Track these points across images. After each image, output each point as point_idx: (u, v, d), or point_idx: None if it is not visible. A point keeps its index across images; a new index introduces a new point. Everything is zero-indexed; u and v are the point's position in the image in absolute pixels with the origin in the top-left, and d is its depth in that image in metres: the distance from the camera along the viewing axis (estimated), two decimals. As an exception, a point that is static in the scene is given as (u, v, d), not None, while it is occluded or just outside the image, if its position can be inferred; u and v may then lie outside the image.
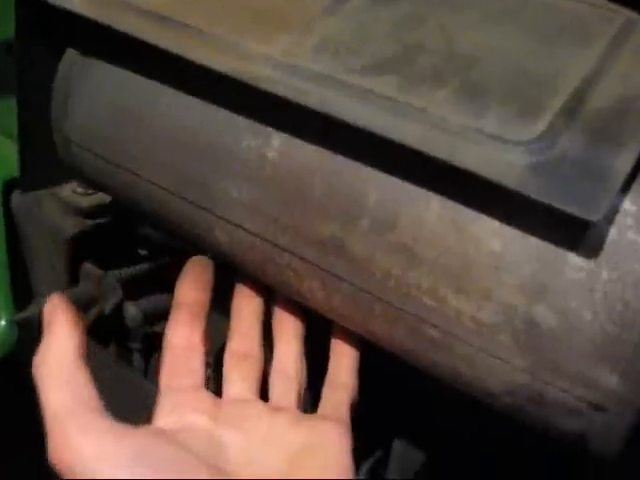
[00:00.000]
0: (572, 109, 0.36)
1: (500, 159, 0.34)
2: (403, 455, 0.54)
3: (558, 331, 0.35)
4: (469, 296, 0.36)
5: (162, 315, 0.62)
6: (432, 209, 0.37)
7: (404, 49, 0.41)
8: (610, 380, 0.34)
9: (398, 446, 0.55)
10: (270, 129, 0.41)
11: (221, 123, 0.43)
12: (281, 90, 0.39)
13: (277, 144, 0.41)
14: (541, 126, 0.36)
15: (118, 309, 0.59)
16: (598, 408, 0.35)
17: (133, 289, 0.61)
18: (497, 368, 0.37)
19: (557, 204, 0.33)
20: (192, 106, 0.44)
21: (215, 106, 0.43)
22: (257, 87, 0.39)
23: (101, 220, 0.62)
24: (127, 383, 0.57)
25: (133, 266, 0.63)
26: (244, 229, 0.43)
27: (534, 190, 0.33)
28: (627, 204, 0.35)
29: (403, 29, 0.42)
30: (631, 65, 0.39)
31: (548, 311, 0.35)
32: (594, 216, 0.32)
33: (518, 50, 0.40)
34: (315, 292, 0.42)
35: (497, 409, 0.39)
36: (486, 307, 0.36)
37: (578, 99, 0.37)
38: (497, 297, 0.36)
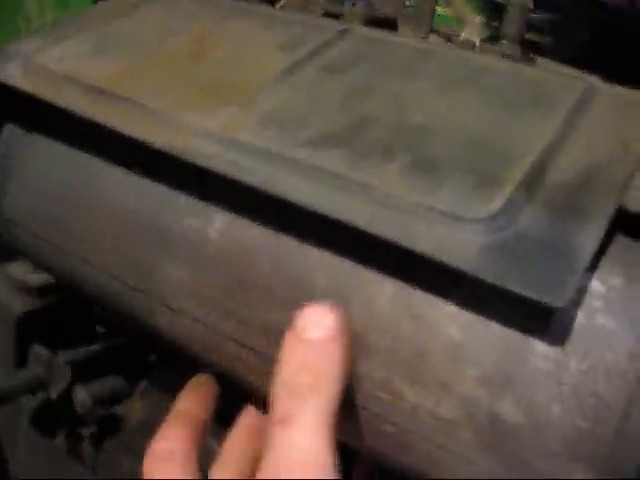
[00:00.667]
0: (532, 182, 0.34)
1: (454, 239, 0.32)
2: None
3: (525, 428, 0.31)
4: (426, 389, 0.33)
5: (116, 398, 0.58)
6: (384, 294, 0.34)
7: (354, 121, 0.38)
8: None
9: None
10: (212, 208, 0.39)
11: (161, 201, 0.40)
12: (222, 167, 0.36)
13: (219, 224, 0.38)
14: (499, 202, 0.33)
15: (67, 393, 0.55)
16: (575, 512, 0.32)
17: (85, 371, 0.57)
18: (461, 469, 0.33)
19: (517, 288, 0.30)
20: (132, 184, 0.41)
21: (155, 184, 0.40)
22: (196, 164, 0.36)
23: (53, 298, 0.59)
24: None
25: (88, 346, 0.60)
26: (186, 314, 0.40)
27: (491, 273, 0.30)
28: (595, 284, 0.32)
29: (354, 99, 0.40)
30: (594, 133, 0.37)
31: (513, 406, 0.32)
32: (559, 301, 0.29)
33: (475, 120, 0.38)
34: (267, 383, 0.39)
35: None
36: (445, 401, 0.33)
37: (538, 171, 0.34)
38: (457, 390, 0.33)
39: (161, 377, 0.57)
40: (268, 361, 0.36)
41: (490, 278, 0.30)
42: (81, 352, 0.57)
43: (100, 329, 0.65)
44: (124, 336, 0.61)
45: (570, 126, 0.37)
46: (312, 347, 0.32)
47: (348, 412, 0.36)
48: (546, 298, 0.29)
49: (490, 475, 0.33)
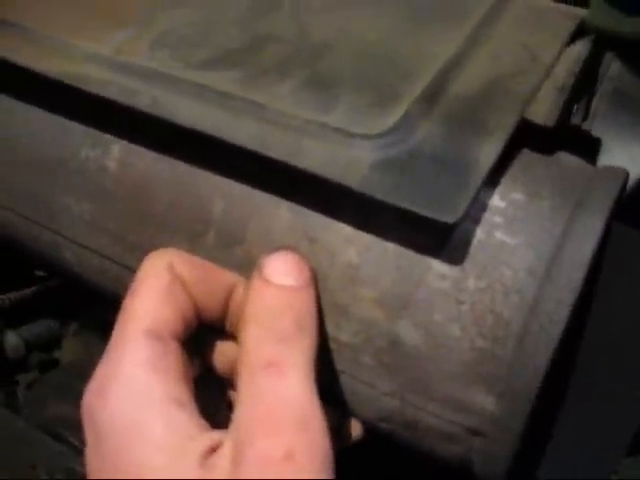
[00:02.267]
0: (432, 97, 0.32)
1: (343, 156, 0.30)
2: None
3: (424, 349, 0.31)
4: (326, 314, 0.32)
5: (51, 342, 0.57)
6: (281, 218, 0.33)
7: (252, 39, 0.36)
8: (486, 402, 0.30)
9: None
10: (109, 137, 0.37)
11: (58, 133, 0.38)
12: (112, 92, 0.34)
13: (116, 153, 0.36)
14: (395, 117, 0.31)
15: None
16: (476, 433, 0.31)
17: (15, 316, 0.56)
18: (365, 393, 0.33)
19: (406, 205, 0.29)
20: (28, 116, 0.39)
21: (51, 114, 0.38)
22: (86, 90, 0.35)
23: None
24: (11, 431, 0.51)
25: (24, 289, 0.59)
26: (91, 250, 0.38)
27: (379, 190, 0.29)
28: (495, 200, 0.31)
29: (253, 17, 0.38)
30: (502, 44, 0.35)
31: (411, 327, 0.31)
32: (449, 217, 0.28)
33: (379, 34, 0.36)
34: None
35: (381, 436, 0.35)
36: (345, 326, 0.32)
37: (440, 85, 0.33)
38: (355, 314, 0.31)
39: (92, 317, 0.56)
40: None
41: (378, 195, 0.29)
42: (9, 297, 0.56)
43: (40, 273, 0.64)
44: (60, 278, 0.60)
45: (478, 37, 0.36)
46: (289, 295, 0.31)
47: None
48: (436, 214, 0.28)
49: (392, 398, 0.32)
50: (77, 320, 0.58)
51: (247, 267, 0.33)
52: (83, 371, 0.35)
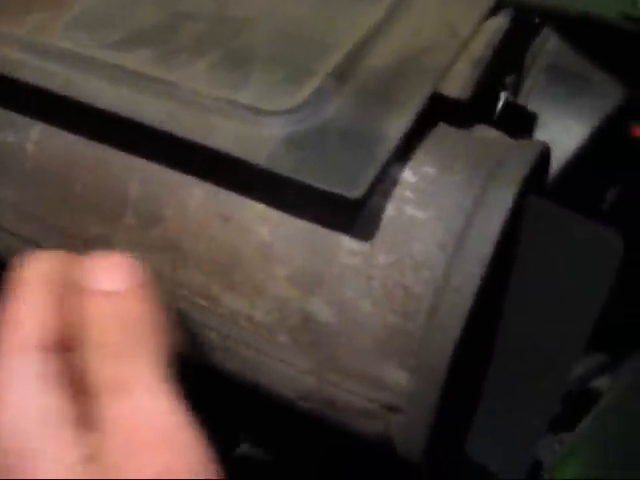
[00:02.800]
0: (344, 72, 0.32)
1: (252, 133, 0.30)
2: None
3: (337, 326, 0.30)
4: (241, 293, 0.32)
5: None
6: (196, 198, 0.32)
7: (168, 18, 0.36)
8: (398, 377, 0.30)
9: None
10: (27, 119, 0.36)
11: None
12: (24, 73, 0.34)
13: (36, 136, 0.36)
14: (305, 93, 0.31)
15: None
16: (392, 409, 0.31)
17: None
18: (282, 372, 0.32)
19: (311, 181, 0.28)
20: None
21: None
22: (1, 73, 0.34)
23: None
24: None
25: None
26: (13, 234, 0.38)
27: (286, 166, 0.29)
28: (406, 174, 0.31)
29: None
30: (421, 17, 0.35)
31: (324, 304, 0.30)
32: (354, 192, 0.28)
33: (297, 11, 0.36)
34: None
35: (303, 415, 0.35)
36: (260, 304, 0.32)
37: (353, 60, 0.33)
38: (269, 292, 0.31)
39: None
40: None
41: (284, 171, 0.29)
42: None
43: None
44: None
45: (396, 12, 0.35)
46: (121, 300, 0.27)
47: (174, 321, 0.34)
48: (341, 190, 0.28)
49: (309, 376, 0.32)
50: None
51: (164, 248, 0.33)
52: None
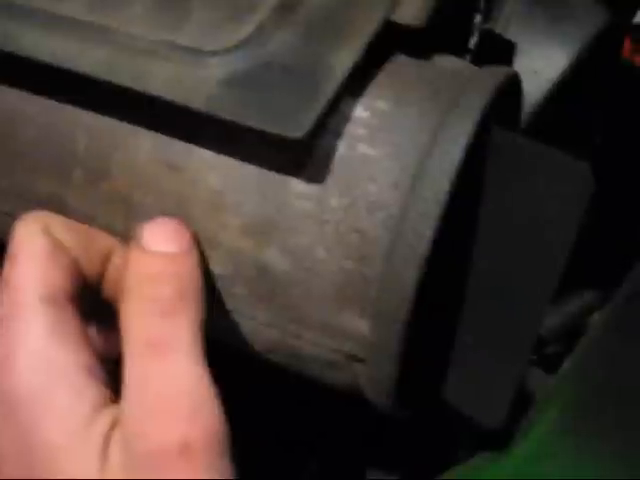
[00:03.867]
0: (289, 4, 0.30)
1: (192, 75, 0.28)
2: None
3: (293, 275, 0.29)
4: None
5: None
6: (143, 148, 0.31)
7: None
8: (360, 326, 0.29)
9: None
10: None
11: None
12: None
13: None
14: (247, 29, 0.29)
15: None
16: (356, 359, 0.30)
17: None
18: (246, 326, 0.31)
19: (252, 123, 0.27)
20: None
21: None
22: None
23: None
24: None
25: None
26: None
27: (226, 109, 0.27)
28: (358, 110, 0.29)
29: None
30: None
31: (278, 253, 0.29)
32: (297, 131, 0.26)
33: None
34: None
35: (275, 368, 0.34)
36: (214, 256, 0.30)
37: None
38: (223, 243, 0.30)
39: None
40: None
41: (224, 114, 0.27)
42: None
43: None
44: None
45: None
46: (171, 261, 0.29)
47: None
48: (284, 130, 0.26)
49: (272, 328, 0.30)
50: None
51: (114, 202, 0.32)
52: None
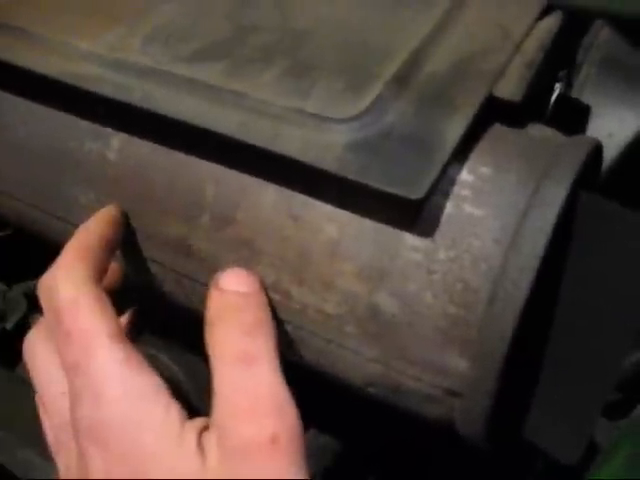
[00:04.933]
0: (404, 78, 0.34)
1: (319, 140, 0.32)
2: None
3: (401, 317, 0.33)
4: (311, 288, 0.34)
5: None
6: (267, 199, 0.35)
7: (237, 30, 0.38)
8: (459, 364, 0.32)
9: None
10: (109, 130, 0.39)
11: (62, 127, 0.41)
12: (106, 88, 0.37)
13: (116, 145, 0.39)
14: (368, 99, 0.33)
15: (23, 323, 0.57)
16: (453, 394, 0.33)
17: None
18: (351, 360, 0.35)
19: (376, 184, 0.31)
20: (33, 112, 0.42)
21: (54, 110, 0.41)
22: (83, 88, 0.37)
23: (4, 232, 0.60)
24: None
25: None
26: None
27: (352, 171, 0.31)
28: (464, 174, 0.33)
29: (239, 8, 0.40)
30: (474, 21, 0.37)
31: (389, 297, 0.33)
32: (416, 193, 0.30)
33: (356, 21, 0.38)
34: (175, 295, 0.40)
35: (370, 401, 0.37)
36: (329, 298, 0.34)
37: (412, 66, 0.35)
38: (338, 286, 0.34)
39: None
40: (171, 271, 0.38)
41: (351, 175, 0.31)
42: (35, 284, 0.58)
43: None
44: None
45: (451, 17, 0.37)
46: (247, 297, 0.34)
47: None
48: (403, 191, 0.30)
49: (376, 363, 0.34)
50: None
51: (239, 246, 0.36)
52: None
